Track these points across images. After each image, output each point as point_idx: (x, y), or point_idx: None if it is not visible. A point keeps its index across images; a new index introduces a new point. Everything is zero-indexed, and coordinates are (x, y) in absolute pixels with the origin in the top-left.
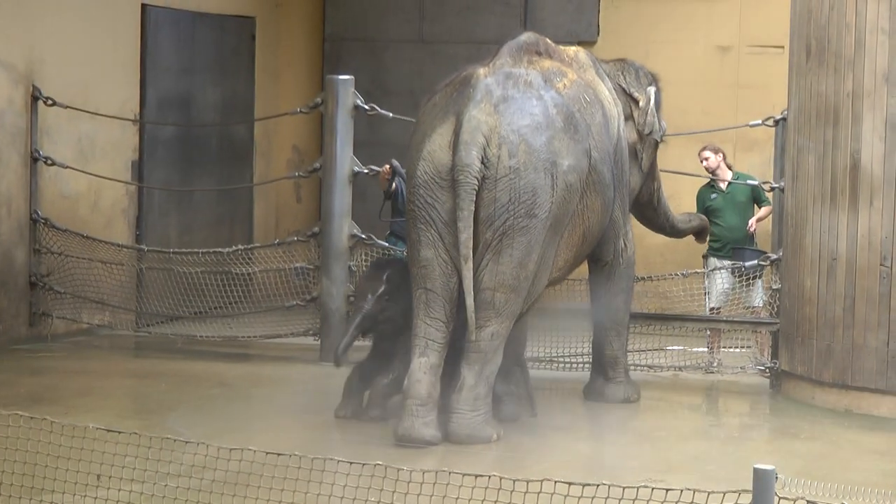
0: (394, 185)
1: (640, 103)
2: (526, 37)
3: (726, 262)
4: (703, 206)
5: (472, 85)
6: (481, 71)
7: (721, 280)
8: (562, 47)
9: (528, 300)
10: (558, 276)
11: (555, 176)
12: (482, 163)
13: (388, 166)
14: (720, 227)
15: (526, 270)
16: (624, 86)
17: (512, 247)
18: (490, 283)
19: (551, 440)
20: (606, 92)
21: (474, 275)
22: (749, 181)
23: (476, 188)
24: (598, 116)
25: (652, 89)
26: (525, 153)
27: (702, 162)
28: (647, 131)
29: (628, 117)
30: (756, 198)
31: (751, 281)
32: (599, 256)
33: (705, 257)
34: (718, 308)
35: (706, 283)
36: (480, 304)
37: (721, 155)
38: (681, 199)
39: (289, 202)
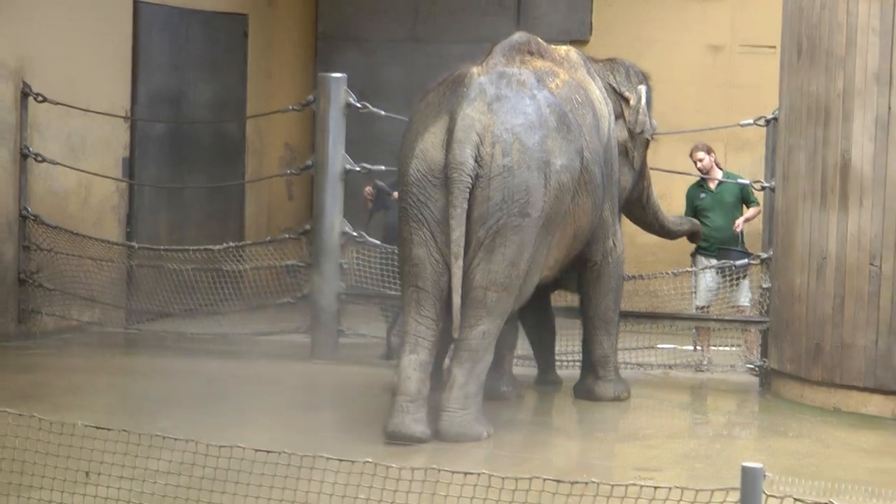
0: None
1: (631, 102)
2: (518, 36)
3: (713, 261)
4: (692, 205)
5: (465, 84)
6: (475, 70)
7: (707, 279)
8: (553, 46)
9: (520, 299)
10: (549, 275)
11: (548, 175)
12: (476, 161)
13: (369, 188)
14: (708, 227)
15: (518, 269)
16: (614, 85)
17: (505, 245)
18: (482, 282)
19: (541, 438)
20: (597, 92)
21: (466, 273)
22: (739, 180)
23: (469, 186)
24: (589, 117)
25: (642, 88)
26: (519, 152)
27: (696, 163)
28: (638, 130)
29: (619, 116)
30: (745, 198)
31: (737, 280)
32: (589, 256)
33: (693, 256)
34: (706, 307)
35: (693, 281)
36: (472, 302)
37: (713, 155)
38: (672, 198)
39: (280, 200)
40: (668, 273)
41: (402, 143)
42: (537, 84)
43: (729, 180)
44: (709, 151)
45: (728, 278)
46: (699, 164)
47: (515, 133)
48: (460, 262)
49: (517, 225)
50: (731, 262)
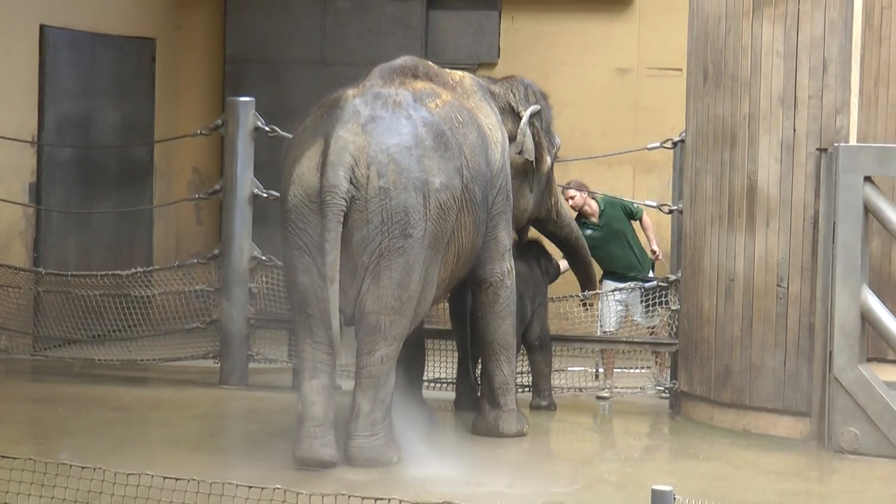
0: None
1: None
2: (402, 60)
3: (620, 285)
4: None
5: (340, 106)
6: (350, 92)
7: (612, 304)
8: (448, 71)
9: (415, 321)
10: (437, 294)
11: (427, 195)
12: (352, 184)
13: None
14: (608, 260)
15: (408, 291)
16: (513, 104)
17: (390, 268)
18: (373, 308)
19: (452, 462)
20: (486, 119)
21: (357, 300)
22: (614, 200)
23: (343, 209)
24: (472, 137)
25: (530, 109)
26: (394, 173)
27: (567, 200)
28: (516, 150)
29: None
30: (629, 214)
31: (653, 303)
32: (485, 277)
33: (600, 282)
34: (614, 332)
35: (599, 306)
36: (367, 328)
37: (585, 191)
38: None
39: (189, 224)
40: (579, 296)
41: (281, 170)
42: (414, 104)
43: (612, 198)
44: (580, 188)
45: (641, 301)
46: (571, 203)
47: (391, 154)
48: (336, 287)
49: (400, 246)
50: (641, 284)
